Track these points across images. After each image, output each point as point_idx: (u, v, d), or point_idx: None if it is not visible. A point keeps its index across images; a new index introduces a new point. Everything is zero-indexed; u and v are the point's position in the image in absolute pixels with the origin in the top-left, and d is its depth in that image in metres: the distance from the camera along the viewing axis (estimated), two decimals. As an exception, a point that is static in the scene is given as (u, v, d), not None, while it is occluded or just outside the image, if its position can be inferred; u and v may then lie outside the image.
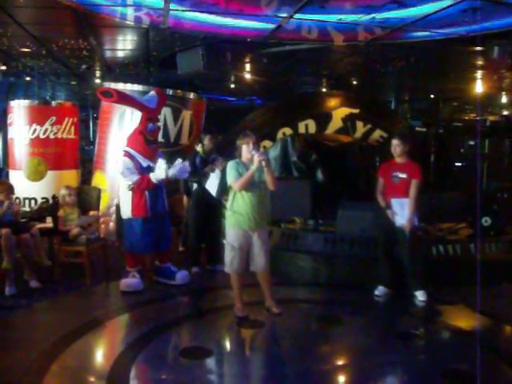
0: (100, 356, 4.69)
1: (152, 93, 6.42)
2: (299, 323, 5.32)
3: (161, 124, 8.12)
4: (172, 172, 5.86)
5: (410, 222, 5.66)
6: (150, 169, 5.95)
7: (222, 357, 4.59)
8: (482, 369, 3.71)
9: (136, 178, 5.84)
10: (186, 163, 6.03)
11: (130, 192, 5.92)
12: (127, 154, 5.95)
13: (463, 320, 5.45)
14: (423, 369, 4.33)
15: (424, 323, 5.44)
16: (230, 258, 5.16)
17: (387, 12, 5.76)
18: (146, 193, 5.91)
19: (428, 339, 5.09)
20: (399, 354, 4.60)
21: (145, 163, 5.96)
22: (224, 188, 5.77)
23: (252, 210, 5.05)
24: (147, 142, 6.01)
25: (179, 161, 5.95)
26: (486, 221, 6.76)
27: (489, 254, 6.53)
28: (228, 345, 4.95)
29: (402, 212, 5.70)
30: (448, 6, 5.46)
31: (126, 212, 6.04)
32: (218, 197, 6.38)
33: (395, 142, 5.86)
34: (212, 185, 6.41)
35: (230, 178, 5.09)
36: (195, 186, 6.71)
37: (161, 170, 5.81)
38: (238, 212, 5.09)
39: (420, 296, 5.78)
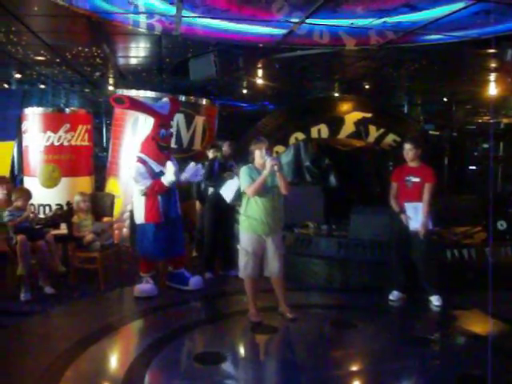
0: (114, 361, 4.70)
1: (165, 99, 6.48)
2: (313, 328, 5.30)
3: (174, 130, 8.19)
4: (185, 175, 5.91)
5: (424, 226, 5.62)
6: (163, 174, 5.98)
7: (236, 362, 4.58)
8: (496, 374, 3.67)
9: (149, 182, 5.88)
10: (199, 166, 6.07)
11: (143, 197, 5.97)
12: (140, 160, 6.00)
13: (478, 325, 5.40)
14: (438, 374, 4.29)
15: (439, 328, 5.40)
16: (243, 263, 5.17)
17: (399, 16, 5.74)
18: (159, 198, 5.95)
19: (443, 344, 5.04)
20: (414, 360, 4.56)
21: (157, 168, 6.00)
22: (239, 194, 5.79)
23: (265, 215, 5.06)
24: (160, 147, 6.05)
25: (193, 164, 6.00)
26: (502, 225, 6.70)
27: (505, 258, 6.47)
28: (242, 350, 4.94)
29: (415, 216, 5.67)
30: (460, 9, 5.44)
31: (139, 217, 6.07)
32: (231, 203, 6.37)
33: (408, 146, 5.84)
34: (227, 190, 6.39)
35: (244, 184, 5.11)
36: (211, 190, 6.72)
37: (169, 173, 5.85)
38: (251, 217, 5.10)
39: (435, 301, 5.74)
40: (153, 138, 6.07)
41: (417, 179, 5.74)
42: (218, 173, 6.63)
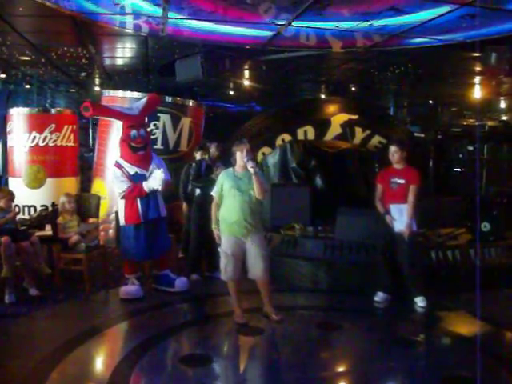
0: (100, 363, 4.68)
1: (143, 99, 6.43)
2: (299, 330, 5.31)
3: (159, 131, 8.18)
4: (149, 186, 5.89)
5: (408, 227, 5.66)
6: (140, 176, 5.99)
7: (222, 364, 4.58)
8: (482, 375, 3.70)
9: (126, 186, 5.91)
10: (160, 172, 5.97)
11: (123, 200, 5.98)
12: (116, 164, 6.05)
13: (464, 326, 5.45)
14: (424, 375, 4.33)
15: (424, 329, 5.44)
16: (223, 265, 5.19)
17: (384, 19, 5.79)
18: (138, 200, 5.96)
19: (428, 345, 5.09)
20: (400, 361, 4.58)
21: (132, 170, 5.99)
22: None
23: (243, 217, 5.08)
24: (132, 148, 6.04)
25: (157, 172, 5.93)
26: (486, 226, 6.76)
27: (488, 260, 6.54)
28: (228, 352, 4.94)
29: (400, 218, 5.71)
30: (445, 13, 5.49)
31: (121, 219, 6.12)
32: None
33: (393, 148, 5.88)
34: None
35: (214, 190, 5.28)
36: (198, 191, 6.71)
37: (156, 181, 5.85)
38: (228, 219, 5.13)
39: (420, 302, 5.78)
40: (124, 140, 6.06)
41: (402, 181, 5.78)
42: (206, 174, 6.64)
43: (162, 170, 5.91)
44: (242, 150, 5.10)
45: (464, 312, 5.68)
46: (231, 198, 5.10)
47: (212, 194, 5.32)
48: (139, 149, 6.08)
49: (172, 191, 6.85)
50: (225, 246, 5.16)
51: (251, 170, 4.97)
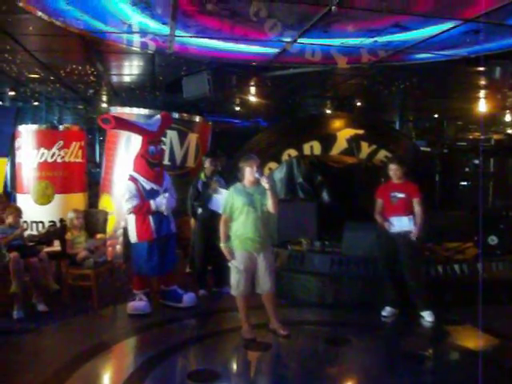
0: (108, 379, 4.69)
1: (157, 116, 6.53)
2: (306, 345, 5.31)
3: (166, 147, 8.22)
4: (155, 205, 5.98)
5: (418, 230, 5.69)
6: (154, 192, 6.04)
7: (230, 379, 4.58)
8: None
9: (136, 202, 5.95)
10: (167, 195, 6.06)
11: (134, 216, 6.03)
12: (131, 178, 6.08)
13: (471, 340, 5.43)
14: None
15: (432, 344, 5.42)
16: (236, 281, 5.18)
17: (389, 35, 5.84)
18: (150, 216, 5.99)
19: (436, 360, 5.06)
20: (407, 376, 4.57)
21: (148, 186, 6.05)
22: None
23: (255, 232, 5.10)
24: (150, 164, 6.10)
25: (161, 196, 6.04)
26: (493, 240, 6.75)
27: (496, 273, 6.52)
28: (235, 367, 4.94)
29: (399, 223, 5.73)
30: (449, 29, 5.54)
31: (132, 236, 6.11)
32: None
33: (394, 166, 5.92)
34: (217, 205, 6.46)
35: (223, 207, 5.29)
36: (200, 210, 6.74)
37: (161, 204, 5.97)
38: (242, 235, 5.13)
39: (427, 316, 5.76)
40: (142, 155, 6.12)
41: (402, 195, 5.82)
42: (203, 192, 6.66)
43: (167, 195, 6.02)
44: (252, 166, 5.11)
45: (472, 326, 5.65)
46: (245, 215, 5.10)
47: (222, 212, 5.30)
48: (156, 165, 6.15)
49: (180, 207, 6.88)
50: (238, 262, 5.15)
51: (266, 186, 5.00)
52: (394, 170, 5.91)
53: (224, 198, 6.12)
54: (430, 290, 5.88)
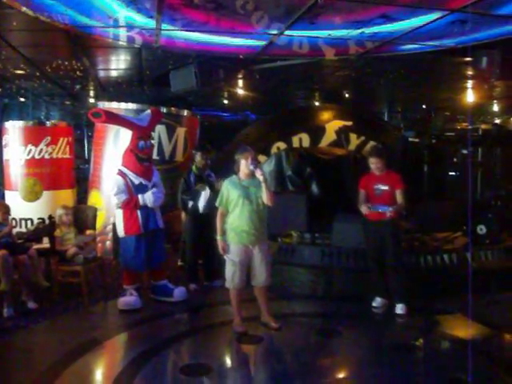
0: (100, 375, 4.68)
1: (147, 111, 6.51)
2: (298, 337, 5.32)
3: (155, 141, 8.18)
4: (145, 201, 5.98)
5: (396, 210, 5.67)
6: (143, 186, 6.03)
7: (222, 373, 4.58)
8: (480, 378, 3.72)
9: (124, 197, 5.95)
10: (155, 190, 6.07)
11: (121, 211, 6.03)
12: (120, 173, 6.07)
13: (461, 329, 5.46)
14: (422, 379, 4.34)
15: (423, 334, 5.45)
16: (231, 274, 5.17)
17: (376, 26, 5.83)
18: (137, 211, 5.99)
19: (426, 349, 5.10)
20: (398, 365, 4.60)
21: (137, 181, 6.04)
22: (210, 204, 6.10)
23: (251, 225, 5.09)
24: (139, 159, 6.09)
25: (150, 192, 6.03)
26: (481, 229, 6.80)
27: (484, 263, 6.57)
28: (228, 361, 4.95)
29: (383, 209, 5.73)
30: (436, 19, 5.55)
31: (120, 230, 6.11)
32: (203, 212, 6.60)
33: (374, 160, 5.89)
34: (201, 201, 6.54)
35: (218, 199, 5.24)
36: (191, 203, 6.73)
37: (148, 199, 5.98)
38: (237, 227, 5.12)
39: (399, 309, 5.77)
40: (131, 150, 6.12)
41: (385, 187, 5.81)
42: (194, 185, 6.66)
43: (154, 191, 6.02)
44: (246, 158, 5.08)
45: (462, 315, 5.69)
46: (240, 207, 5.08)
47: (217, 204, 5.28)
48: (145, 159, 6.14)
49: (170, 200, 6.88)
50: (233, 255, 5.15)
51: (260, 178, 4.98)
52: (374, 162, 5.89)
53: (205, 195, 6.16)
54: (409, 283, 5.82)
